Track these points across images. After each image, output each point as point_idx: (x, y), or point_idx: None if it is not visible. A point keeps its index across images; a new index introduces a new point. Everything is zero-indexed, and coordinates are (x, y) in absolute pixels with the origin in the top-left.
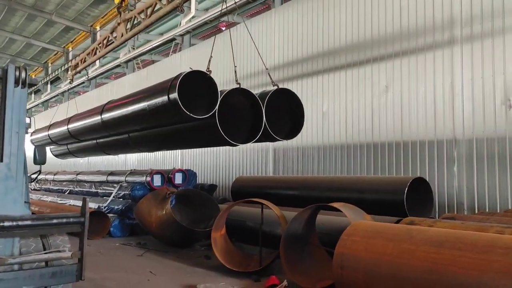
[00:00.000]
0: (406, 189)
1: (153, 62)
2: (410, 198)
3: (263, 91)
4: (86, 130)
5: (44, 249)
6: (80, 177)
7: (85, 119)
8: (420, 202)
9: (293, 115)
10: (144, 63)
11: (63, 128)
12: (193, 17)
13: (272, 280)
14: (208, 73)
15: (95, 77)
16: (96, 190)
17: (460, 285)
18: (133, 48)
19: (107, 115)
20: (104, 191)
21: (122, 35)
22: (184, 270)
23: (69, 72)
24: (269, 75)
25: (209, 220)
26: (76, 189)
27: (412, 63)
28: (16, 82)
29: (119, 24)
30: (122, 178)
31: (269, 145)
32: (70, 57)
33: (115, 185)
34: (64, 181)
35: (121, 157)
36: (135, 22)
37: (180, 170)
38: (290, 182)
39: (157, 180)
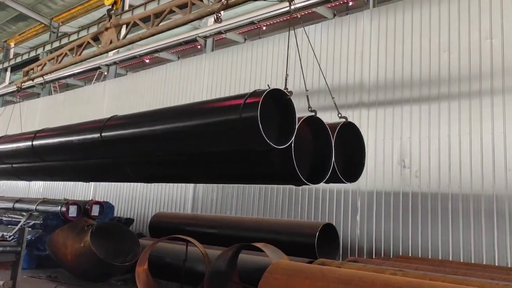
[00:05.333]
0: (317, 233)
1: (67, 85)
2: (320, 241)
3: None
4: (68, 150)
5: None
6: None
7: (67, 136)
8: (328, 245)
9: (347, 154)
10: (59, 84)
11: (25, 144)
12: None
13: None
14: (288, 94)
15: (5, 94)
16: None
17: None
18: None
19: (108, 133)
20: (9, 219)
21: (110, 42)
22: None
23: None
24: (335, 103)
25: (127, 254)
26: None
27: None
28: None
29: (106, 29)
30: (32, 207)
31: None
32: None
33: (23, 213)
34: None
35: (23, 184)
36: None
37: (97, 202)
38: (209, 220)
39: (73, 211)
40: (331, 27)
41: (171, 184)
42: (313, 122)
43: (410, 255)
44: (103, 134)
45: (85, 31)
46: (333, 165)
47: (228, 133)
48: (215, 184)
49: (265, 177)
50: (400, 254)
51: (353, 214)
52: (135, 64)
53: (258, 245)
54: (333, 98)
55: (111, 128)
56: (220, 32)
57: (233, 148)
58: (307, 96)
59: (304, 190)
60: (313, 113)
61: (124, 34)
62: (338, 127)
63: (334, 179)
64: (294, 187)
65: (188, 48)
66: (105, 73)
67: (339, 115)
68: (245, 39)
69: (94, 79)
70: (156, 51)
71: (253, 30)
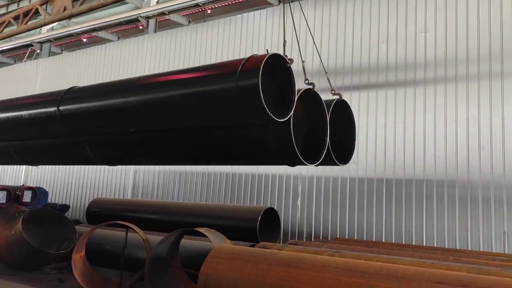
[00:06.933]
0: (259, 218)
1: None
2: (261, 225)
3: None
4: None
5: None
6: None
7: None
8: (269, 229)
9: (336, 134)
10: None
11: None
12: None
13: None
14: (289, 61)
15: None
16: None
17: None
18: None
19: (68, 106)
20: None
21: (64, 9)
22: None
23: None
24: (329, 80)
25: (62, 242)
26: None
27: None
28: None
29: None
30: None
31: (130, 167)
32: None
33: None
34: None
35: None
36: None
37: (29, 188)
38: (151, 206)
39: (1, 197)
40: (276, 14)
41: (110, 169)
42: (309, 97)
43: (347, 237)
44: (61, 107)
45: (15, 4)
46: (327, 145)
47: (220, 104)
48: (156, 170)
49: (257, 155)
50: (338, 236)
51: (294, 198)
52: (71, 42)
53: (201, 230)
54: (326, 73)
55: (72, 101)
56: (163, 13)
57: (225, 122)
58: (303, 68)
59: (247, 175)
60: (310, 86)
61: (82, 0)
62: (333, 104)
63: (325, 161)
64: (237, 172)
65: (129, 28)
66: (38, 51)
67: (333, 91)
68: (189, 22)
69: (26, 57)
70: (95, 29)
71: (198, 13)
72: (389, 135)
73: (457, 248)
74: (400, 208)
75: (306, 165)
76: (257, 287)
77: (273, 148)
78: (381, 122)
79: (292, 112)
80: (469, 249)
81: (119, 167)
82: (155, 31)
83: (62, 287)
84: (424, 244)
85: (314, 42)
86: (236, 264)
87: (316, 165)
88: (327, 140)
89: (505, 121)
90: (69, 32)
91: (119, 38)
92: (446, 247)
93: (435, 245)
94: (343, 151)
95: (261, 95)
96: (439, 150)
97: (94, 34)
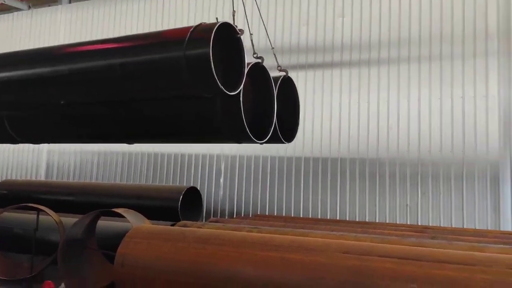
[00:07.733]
0: (181, 197)
1: None
2: (184, 204)
3: None
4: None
5: None
6: None
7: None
8: (192, 208)
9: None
10: None
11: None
12: None
13: (47, 285)
14: (239, 32)
15: None
16: None
17: (219, 273)
18: None
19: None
20: None
21: None
22: None
23: None
24: (275, 55)
25: None
26: None
27: None
28: None
29: None
30: None
31: (43, 146)
32: None
33: None
34: None
35: None
36: None
37: None
38: (66, 187)
39: None
40: None
41: (21, 148)
42: (256, 71)
43: (267, 214)
44: None
45: None
46: (276, 126)
47: (166, 74)
48: (73, 150)
49: (205, 131)
50: (259, 213)
51: (217, 177)
52: None
53: (118, 210)
54: (272, 48)
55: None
56: None
57: (170, 94)
58: (252, 41)
59: (170, 155)
60: (259, 60)
61: None
62: (280, 80)
63: (270, 139)
64: (159, 152)
65: None
66: None
67: (279, 67)
68: None
69: None
70: None
71: None
72: (308, 115)
73: (367, 220)
74: (316, 185)
75: (254, 142)
76: (175, 265)
77: (221, 123)
78: (301, 103)
79: (242, 85)
80: (377, 221)
81: (31, 146)
82: (70, 2)
83: None
84: (338, 218)
85: (261, 16)
86: (154, 244)
87: (262, 143)
88: (274, 116)
89: (410, 103)
90: None
91: (29, 7)
92: (357, 220)
93: (348, 219)
94: (287, 129)
95: (212, 65)
96: (353, 130)
97: (1, 1)
